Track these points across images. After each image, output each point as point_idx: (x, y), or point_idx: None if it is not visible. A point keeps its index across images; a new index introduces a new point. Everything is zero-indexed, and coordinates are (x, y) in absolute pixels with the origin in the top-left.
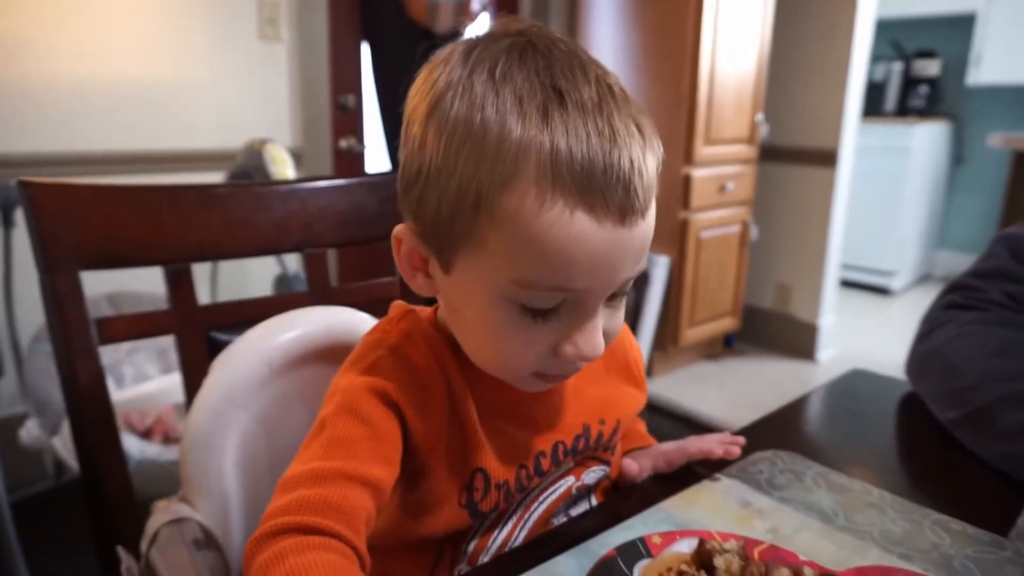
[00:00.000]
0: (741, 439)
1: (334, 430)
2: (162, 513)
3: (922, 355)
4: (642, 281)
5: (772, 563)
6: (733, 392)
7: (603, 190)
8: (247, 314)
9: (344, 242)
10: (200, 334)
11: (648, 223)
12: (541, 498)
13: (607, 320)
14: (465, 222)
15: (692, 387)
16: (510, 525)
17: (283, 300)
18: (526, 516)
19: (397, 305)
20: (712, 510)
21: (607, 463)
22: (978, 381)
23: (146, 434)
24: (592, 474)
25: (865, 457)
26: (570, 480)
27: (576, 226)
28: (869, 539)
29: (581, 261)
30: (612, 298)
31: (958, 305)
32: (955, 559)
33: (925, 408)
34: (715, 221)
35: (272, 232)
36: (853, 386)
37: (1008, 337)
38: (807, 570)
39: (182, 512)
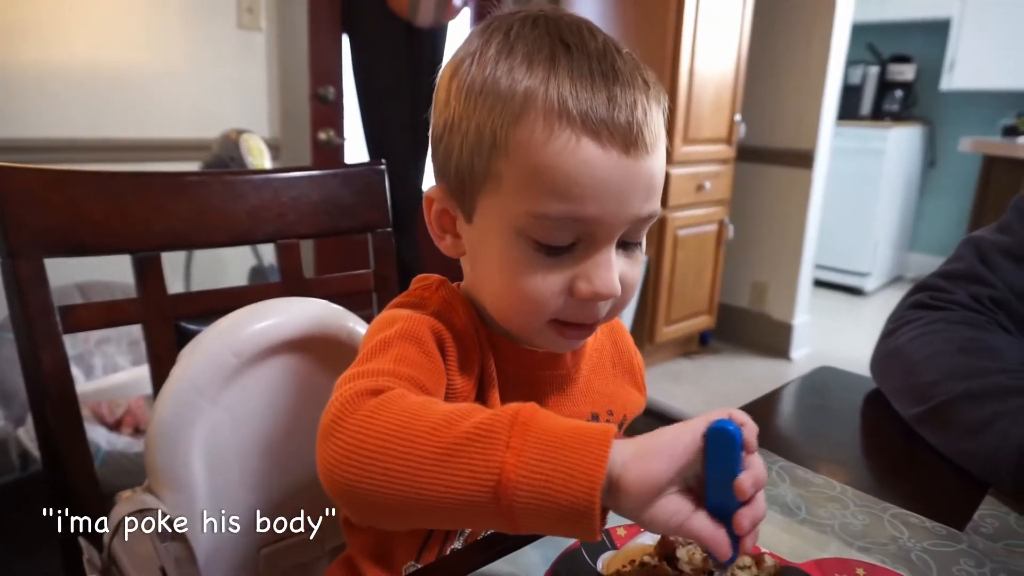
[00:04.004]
0: None
1: (402, 350)
2: (126, 504)
3: (886, 353)
4: None
5: None
6: (708, 389)
7: (607, 121)
8: (217, 304)
9: (318, 233)
10: (169, 324)
11: (656, 162)
12: None
13: (623, 267)
14: (483, 163)
15: (668, 384)
16: None
17: (255, 291)
18: None
19: (427, 277)
20: None
21: None
22: (939, 378)
23: (115, 426)
24: None
25: (830, 452)
26: None
27: (583, 152)
28: (830, 532)
29: (588, 186)
30: (627, 247)
31: (924, 305)
32: (912, 552)
33: (889, 405)
34: (692, 220)
35: (244, 222)
36: (821, 382)
37: (970, 336)
38: (768, 559)
39: (147, 503)
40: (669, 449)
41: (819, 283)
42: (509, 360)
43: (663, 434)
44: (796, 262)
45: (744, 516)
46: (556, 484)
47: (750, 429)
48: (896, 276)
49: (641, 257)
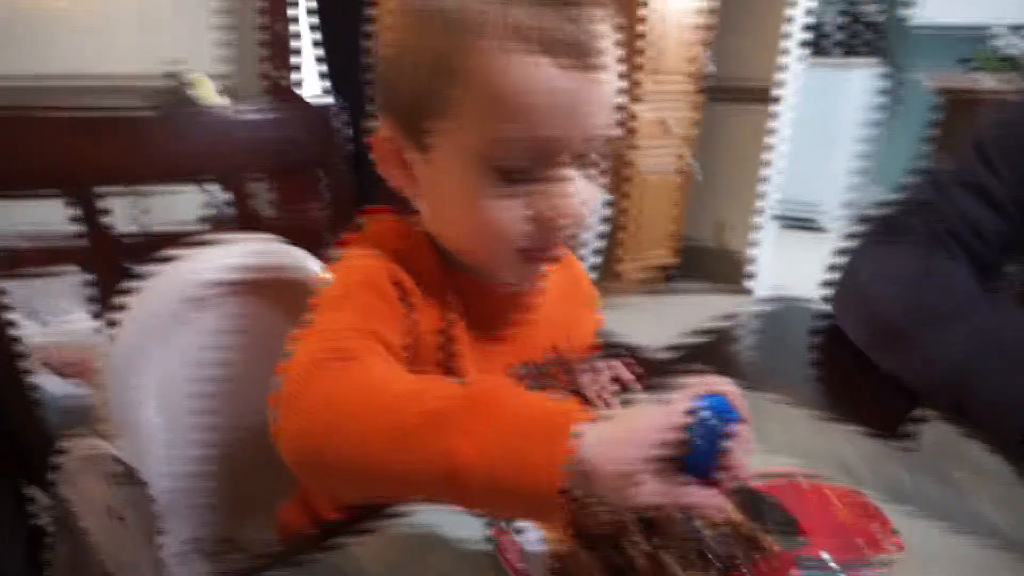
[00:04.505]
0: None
1: (361, 301)
2: (75, 447)
3: (841, 282)
4: None
5: None
6: (671, 325)
7: (564, 40)
8: (168, 247)
9: (270, 171)
10: (116, 267)
11: (611, 81)
12: None
13: (583, 188)
14: (436, 92)
15: (632, 320)
16: None
17: (203, 231)
18: None
19: (383, 214)
20: None
21: (563, 387)
22: (890, 305)
23: (67, 373)
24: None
25: (781, 375)
26: None
27: (540, 73)
28: (777, 449)
29: (548, 108)
30: (587, 165)
31: (878, 234)
32: (854, 464)
33: (840, 331)
34: (657, 159)
35: (191, 161)
36: (776, 310)
37: (922, 264)
38: None
39: (97, 446)
40: (646, 435)
41: (780, 219)
42: (474, 299)
43: (640, 417)
44: (757, 198)
45: (725, 477)
46: (512, 476)
47: (739, 398)
48: (854, 211)
49: (600, 177)
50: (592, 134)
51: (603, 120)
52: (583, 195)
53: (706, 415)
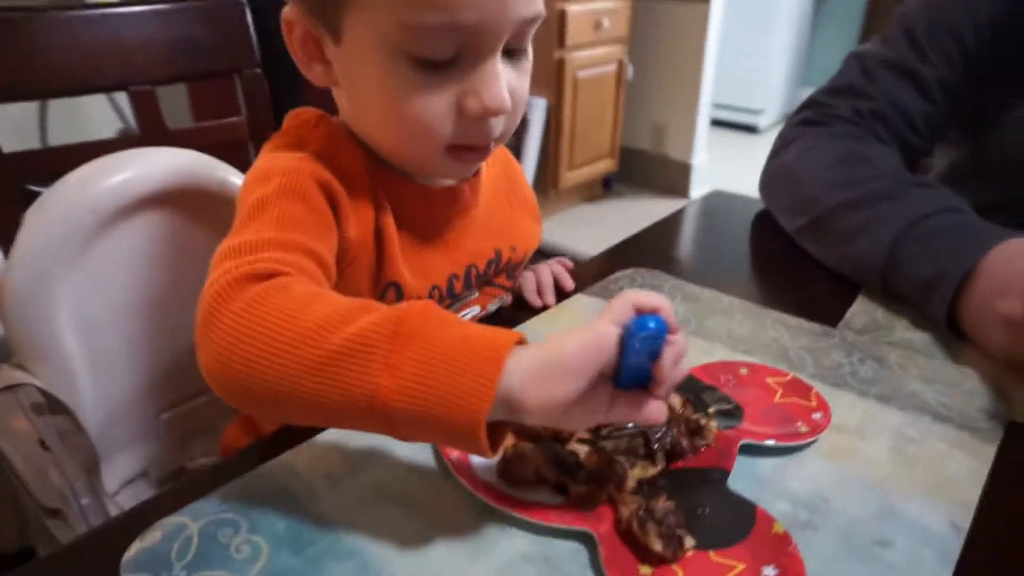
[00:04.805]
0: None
1: (283, 209)
2: None
3: (774, 171)
4: (520, 125)
5: None
6: (612, 232)
7: None
8: (67, 163)
9: (173, 77)
10: (9, 185)
11: None
12: None
13: (511, 78)
14: None
15: (572, 229)
16: None
17: (109, 145)
18: None
19: (302, 112)
20: (573, 325)
21: (508, 291)
22: (820, 191)
23: None
24: (496, 304)
25: (719, 269)
26: (475, 310)
27: None
28: (716, 340)
29: None
30: (514, 55)
31: (809, 121)
32: (791, 350)
33: (776, 223)
34: (591, 60)
35: (82, 67)
36: (713, 206)
37: (851, 149)
38: None
39: (15, 378)
40: (575, 364)
41: (715, 122)
42: (405, 200)
43: (567, 343)
44: (694, 101)
45: (661, 388)
46: (436, 413)
47: (667, 310)
48: (789, 112)
49: (528, 67)
50: (520, 18)
51: (531, 1)
52: (512, 87)
53: (636, 338)
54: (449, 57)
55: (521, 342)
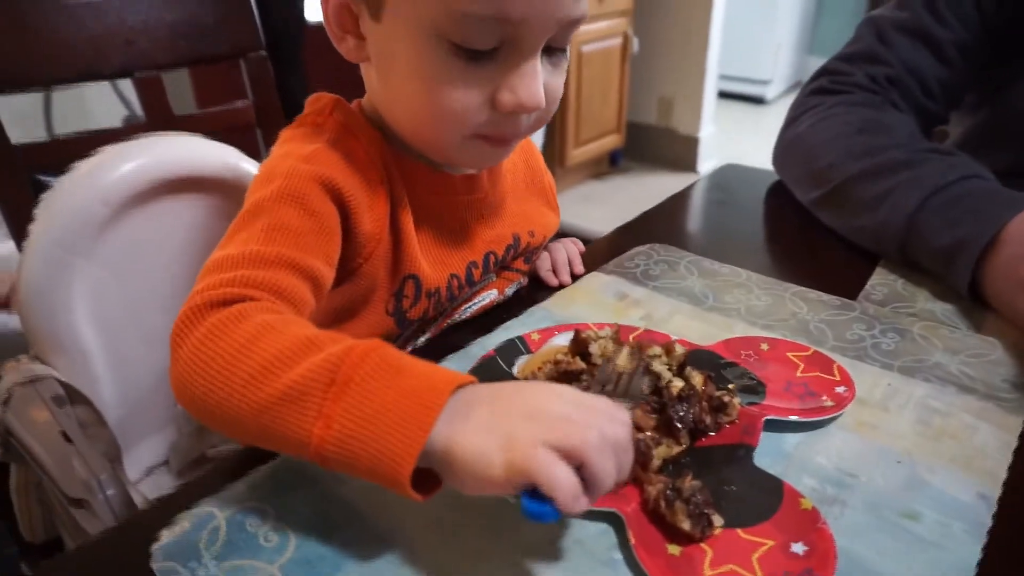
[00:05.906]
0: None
1: (275, 217)
2: (12, 373)
3: (788, 141)
4: None
5: (644, 342)
6: (620, 209)
7: None
8: (76, 152)
9: (178, 62)
10: (19, 176)
11: None
12: (463, 309)
13: (548, 77)
14: None
15: (580, 207)
16: (427, 336)
17: (117, 134)
18: (444, 328)
19: (320, 96)
20: (590, 305)
21: (525, 274)
22: (836, 161)
23: (4, 304)
24: (513, 287)
25: (735, 243)
26: (493, 293)
27: None
28: (736, 315)
29: None
30: (552, 54)
31: (824, 90)
32: (811, 323)
33: (791, 194)
34: (595, 34)
35: (86, 53)
36: (725, 179)
37: (867, 117)
38: (677, 346)
39: (35, 371)
40: (471, 484)
41: (722, 94)
42: (423, 188)
43: (479, 462)
44: (701, 73)
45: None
46: (365, 464)
47: (563, 494)
48: (796, 82)
49: (565, 66)
50: (565, 17)
51: (578, 5)
52: (548, 85)
53: (526, 512)
54: (490, 48)
55: (463, 386)
